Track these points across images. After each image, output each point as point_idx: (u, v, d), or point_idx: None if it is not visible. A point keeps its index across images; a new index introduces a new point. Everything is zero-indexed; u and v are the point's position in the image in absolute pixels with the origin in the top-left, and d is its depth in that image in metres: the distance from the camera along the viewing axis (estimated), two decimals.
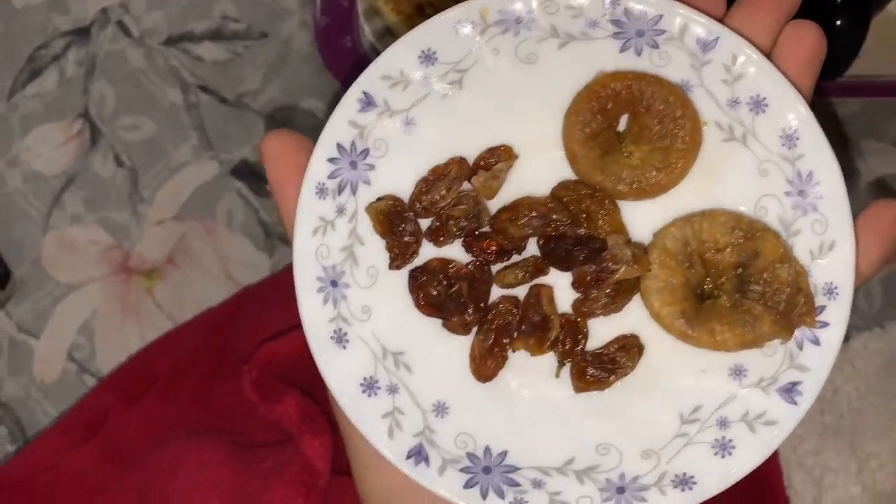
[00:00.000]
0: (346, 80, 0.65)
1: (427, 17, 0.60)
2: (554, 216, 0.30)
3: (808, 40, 0.29)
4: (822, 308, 0.29)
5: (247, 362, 0.44)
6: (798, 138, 0.29)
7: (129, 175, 0.63)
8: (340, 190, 0.30)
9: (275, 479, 0.42)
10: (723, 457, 0.29)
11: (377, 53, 0.64)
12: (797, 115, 0.29)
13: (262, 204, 0.62)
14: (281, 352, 0.44)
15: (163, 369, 0.50)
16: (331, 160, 0.30)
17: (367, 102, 0.30)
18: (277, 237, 0.61)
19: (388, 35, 0.62)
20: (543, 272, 0.31)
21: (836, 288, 0.29)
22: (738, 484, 0.52)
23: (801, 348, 0.29)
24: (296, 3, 0.67)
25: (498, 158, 0.31)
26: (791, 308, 0.29)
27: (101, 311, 0.60)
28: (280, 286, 0.53)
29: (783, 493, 0.49)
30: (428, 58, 0.30)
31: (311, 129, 0.63)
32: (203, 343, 0.52)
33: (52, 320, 0.59)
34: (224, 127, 0.64)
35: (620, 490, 0.29)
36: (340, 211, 0.30)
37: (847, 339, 0.58)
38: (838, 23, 0.56)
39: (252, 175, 0.63)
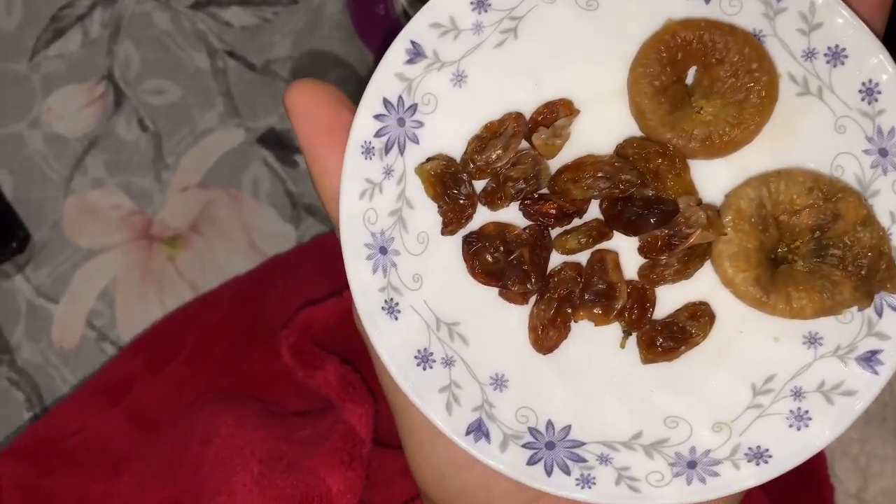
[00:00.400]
0: (379, 50, 0.64)
1: None
2: (622, 176, 0.28)
3: None
4: None
5: (285, 327, 0.43)
6: (880, 93, 0.28)
7: (152, 140, 0.61)
8: (388, 149, 0.28)
9: (316, 447, 0.40)
10: (798, 429, 0.28)
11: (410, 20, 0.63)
12: (880, 67, 0.27)
13: (288, 174, 0.61)
14: (320, 317, 0.42)
15: (190, 337, 0.49)
16: (377, 117, 0.28)
17: (416, 53, 0.28)
18: (304, 208, 0.59)
19: (421, 3, 0.61)
20: (607, 237, 0.30)
21: None
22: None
23: (880, 315, 0.28)
24: None
25: (558, 114, 0.29)
26: (873, 273, 0.28)
27: (121, 278, 0.58)
28: (312, 255, 0.51)
29: (827, 481, 0.47)
30: (481, 3, 0.28)
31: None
32: (231, 312, 0.50)
33: (72, 285, 0.58)
34: (251, 94, 0.63)
35: (692, 464, 0.28)
36: (388, 172, 0.29)
37: None
38: None
39: (279, 144, 0.61)
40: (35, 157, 0.60)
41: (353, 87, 0.62)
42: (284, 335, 0.42)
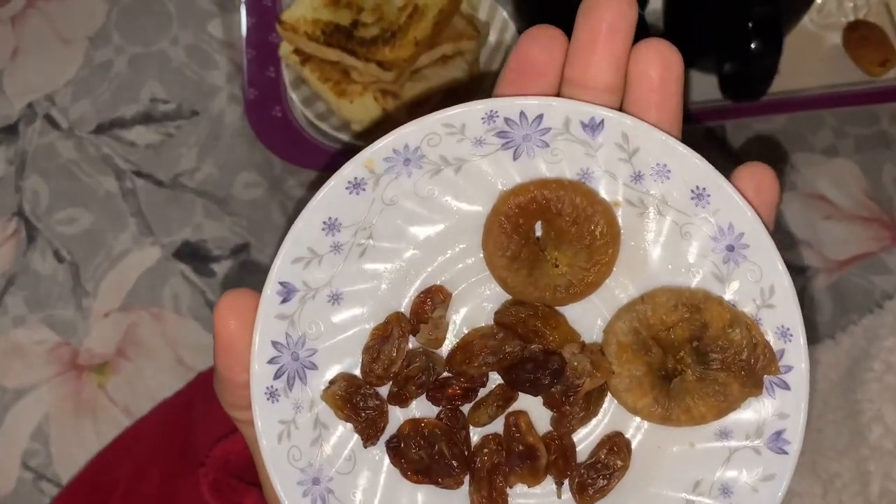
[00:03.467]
0: (280, 150, 0.65)
1: (353, 81, 0.61)
2: (506, 348, 0.30)
3: (655, 63, 0.28)
4: (781, 352, 0.29)
5: (203, 464, 0.43)
6: (709, 194, 0.29)
7: (70, 269, 0.62)
8: (290, 385, 0.29)
9: None
10: None
11: (306, 120, 0.64)
12: (701, 173, 0.29)
13: (207, 284, 0.62)
14: (236, 450, 0.43)
15: (122, 475, 0.49)
16: (271, 361, 0.29)
17: (288, 291, 0.29)
18: None
19: (317, 100, 0.62)
20: (513, 399, 0.31)
21: (788, 329, 0.29)
22: None
23: (774, 397, 0.30)
24: (223, 78, 0.67)
25: (433, 301, 0.30)
26: (754, 364, 0.29)
27: (54, 413, 0.58)
28: None
29: None
30: (332, 226, 0.29)
31: (250, 202, 0.63)
32: (160, 440, 0.51)
33: (3, 428, 0.58)
34: (163, 210, 0.64)
35: None
36: (297, 407, 0.29)
37: None
38: (753, 46, 0.57)
39: (195, 256, 0.62)
40: None
41: (263, 188, 0.64)
42: (203, 473, 0.43)
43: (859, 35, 0.66)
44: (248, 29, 0.65)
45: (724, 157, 0.65)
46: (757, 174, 0.29)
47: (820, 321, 0.62)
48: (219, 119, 0.66)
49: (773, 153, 0.66)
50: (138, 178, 0.65)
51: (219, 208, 0.63)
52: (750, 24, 0.57)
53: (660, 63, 0.28)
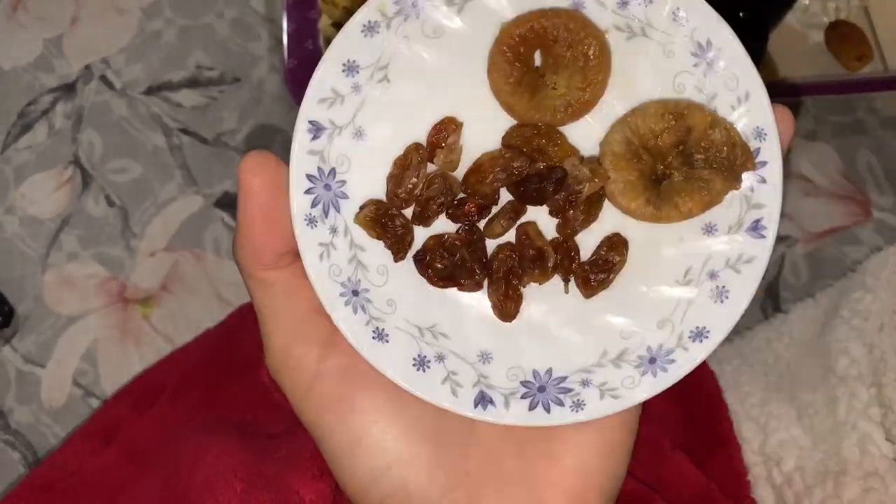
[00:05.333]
0: None
1: None
2: (514, 164, 0.33)
3: None
4: (758, 150, 0.32)
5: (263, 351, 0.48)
6: (684, 15, 0.32)
7: (120, 213, 0.68)
8: (326, 213, 0.32)
9: (291, 464, 0.45)
10: (722, 302, 0.33)
11: None
12: None
13: None
14: None
15: (170, 380, 0.54)
16: (307, 191, 0.32)
17: (317, 129, 0.32)
18: None
19: None
20: (523, 212, 0.34)
21: (762, 129, 0.32)
22: (695, 437, 0.57)
23: (752, 191, 0.33)
24: (265, 49, 0.74)
25: (447, 132, 0.33)
26: (733, 161, 0.32)
27: (101, 339, 0.64)
28: None
29: (735, 441, 0.54)
30: (350, 68, 0.32)
31: (286, 160, 0.69)
32: (207, 356, 0.56)
33: (57, 350, 0.63)
34: (206, 164, 0.70)
35: (652, 360, 0.33)
36: (334, 230, 0.32)
37: (786, 311, 0.65)
38: (742, 35, 0.64)
39: (234, 206, 0.68)
40: (13, 239, 0.66)
41: None
42: (263, 356, 0.48)
43: (839, 33, 0.73)
44: (289, 5, 0.72)
45: None
46: (776, 114, 0.33)
47: (797, 285, 0.68)
48: (259, 86, 0.73)
49: None
50: (184, 135, 0.71)
51: None
52: (740, 14, 0.64)
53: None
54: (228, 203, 0.69)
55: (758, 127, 0.32)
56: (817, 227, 0.70)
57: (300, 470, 0.44)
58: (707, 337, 0.33)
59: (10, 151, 0.69)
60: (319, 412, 0.32)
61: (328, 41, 0.70)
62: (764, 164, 0.33)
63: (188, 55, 0.74)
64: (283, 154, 0.65)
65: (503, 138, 0.34)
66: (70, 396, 0.62)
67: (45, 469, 0.51)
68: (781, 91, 0.71)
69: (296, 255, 0.32)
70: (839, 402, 0.53)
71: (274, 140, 0.71)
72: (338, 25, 0.67)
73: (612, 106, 0.34)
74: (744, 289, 0.33)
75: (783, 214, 0.74)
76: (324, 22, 0.68)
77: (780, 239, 0.69)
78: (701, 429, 0.57)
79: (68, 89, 0.72)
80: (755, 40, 0.64)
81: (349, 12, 0.66)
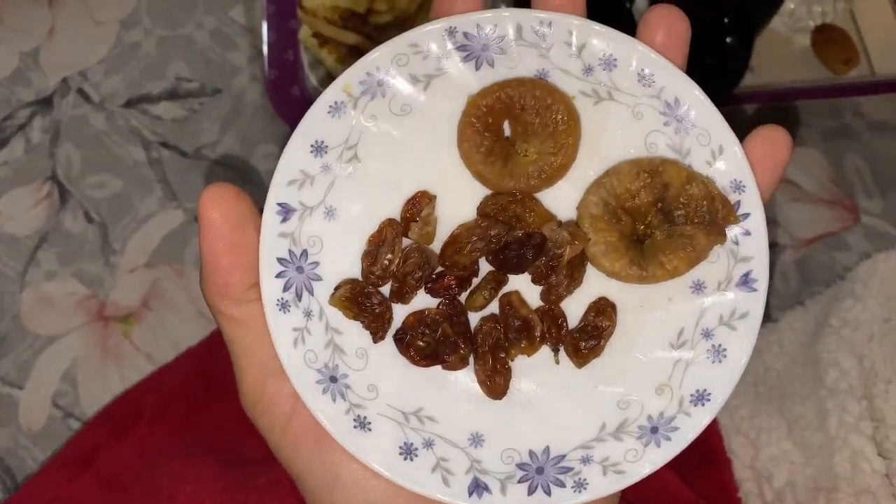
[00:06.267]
0: (294, 126, 0.70)
1: (361, 54, 0.67)
2: (491, 232, 0.32)
3: (660, 30, 0.31)
4: (738, 203, 0.32)
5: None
6: (652, 75, 0.32)
7: (99, 229, 0.67)
8: (299, 296, 0.31)
9: (270, 493, 0.44)
10: (721, 361, 0.32)
11: None
12: (644, 57, 0.32)
13: None
14: None
15: (149, 403, 0.54)
16: (278, 275, 0.31)
17: (286, 210, 0.31)
18: None
19: (331, 79, 0.68)
20: (504, 282, 0.33)
21: (740, 182, 0.32)
22: (684, 453, 0.57)
23: (738, 244, 0.32)
24: (245, 60, 0.73)
25: (420, 205, 0.33)
26: (714, 215, 0.32)
27: (81, 358, 0.63)
28: None
29: (725, 456, 0.54)
30: (319, 149, 0.31)
31: (267, 172, 0.68)
32: (186, 377, 0.55)
33: (35, 371, 0.62)
34: (186, 178, 0.69)
35: (654, 430, 0.32)
36: (308, 314, 0.31)
37: (775, 320, 0.65)
38: (728, 40, 0.63)
39: None
40: None
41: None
42: None
43: (826, 37, 0.73)
44: (269, 15, 0.71)
45: None
46: (769, 137, 0.32)
47: (787, 292, 0.68)
48: (240, 97, 0.72)
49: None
50: (164, 148, 0.70)
51: (238, 177, 0.69)
52: (726, 20, 0.63)
53: (664, 30, 0.32)
54: None
55: (735, 179, 0.32)
56: (806, 233, 0.69)
57: (279, 498, 0.44)
58: (709, 399, 0.31)
59: None
60: (296, 450, 0.31)
61: (308, 51, 0.69)
62: (746, 215, 0.32)
63: (167, 66, 0.72)
64: (262, 166, 0.62)
65: (478, 208, 0.33)
66: (49, 418, 0.61)
67: (22, 497, 0.50)
68: (768, 96, 0.70)
69: None
70: (830, 416, 0.52)
71: (254, 151, 0.70)
72: (318, 36, 0.67)
73: (585, 170, 0.33)
74: (742, 345, 0.32)
75: (771, 221, 0.73)
76: (304, 32, 0.67)
77: (769, 245, 0.69)
78: (690, 445, 0.56)
79: (45, 103, 0.70)
80: (741, 46, 0.64)
81: (329, 22, 0.65)
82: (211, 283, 0.31)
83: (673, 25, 0.31)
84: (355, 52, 0.67)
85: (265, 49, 0.69)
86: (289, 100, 0.69)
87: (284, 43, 0.70)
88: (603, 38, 0.32)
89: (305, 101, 0.69)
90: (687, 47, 0.32)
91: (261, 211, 0.32)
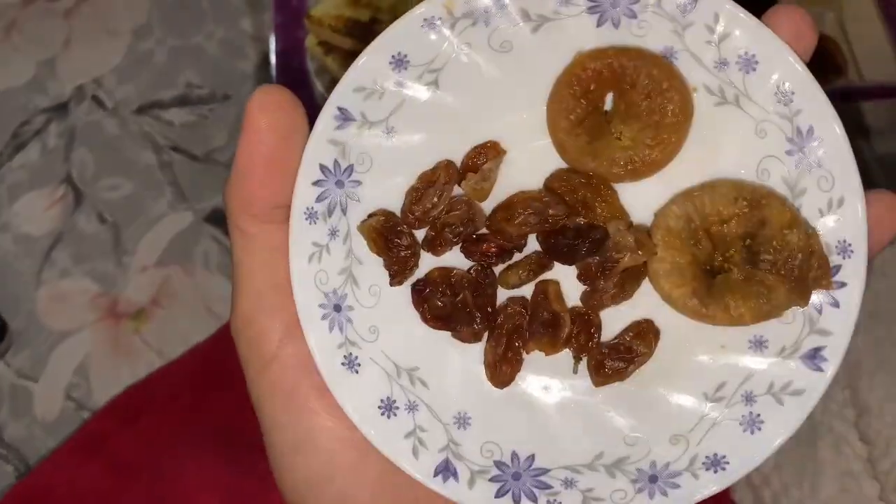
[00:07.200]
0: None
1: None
2: (550, 210, 0.29)
3: (785, 29, 0.27)
4: (838, 268, 0.27)
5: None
6: (793, 93, 0.27)
7: (111, 230, 0.69)
8: (330, 212, 0.29)
9: (271, 481, 0.46)
10: (752, 433, 0.28)
11: None
12: (790, 69, 0.27)
13: None
14: None
15: (158, 395, 0.55)
16: (316, 183, 0.28)
17: (344, 118, 0.28)
18: None
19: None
20: (547, 268, 0.30)
21: (849, 245, 0.27)
22: None
23: (820, 312, 0.28)
24: (253, 67, 0.75)
25: (486, 156, 0.29)
26: (805, 272, 0.27)
27: (94, 353, 0.65)
28: None
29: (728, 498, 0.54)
30: (399, 62, 0.28)
31: None
32: (195, 369, 0.57)
33: (49, 365, 0.64)
34: (196, 181, 0.71)
35: (653, 479, 0.28)
36: (333, 233, 0.29)
37: None
38: None
39: (224, 221, 0.70)
40: (7, 256, 0.67)
41: None
42: None
43: (816, 46, 0.75)
44: (277, 25, 0.73)
45: None
46: (796, 20, 0.28)
47: None
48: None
49: None
50: (175, 152, 0.72)
51: None
52: None
53: (791, 32, 0.28)
54: (218, 219, 0.70)
55: (844, 240, 0.28)
56: None
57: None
58: (724, 468, 0.28)
59: (4, 170, 0.70)
60: (270, 396, 0.29)
61: (315, 59, 0.71)
62: (842, 285, 0.28)
63: (178, 74, 0.75)
64: None
65: (546, 180, 0.30)
66: (63, 410, 0.63)
67: (30, 481, 0.52)
68: None
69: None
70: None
71: None
72: (324, 44, 0.69)
73: (679, 175, 0.29)
74: (782, 424, 0.28)
75: None
76: (310, 41, 0.70)
77: None
78: None
79: (60, 109, 0.73)
80: None
81: (335, 31, 0.68)
82: (238, 191, 0.28)
83: (802, 29, 0.28)
84: (353, 58, 0.69)
85: (273, 57, 0.72)
86: None
87: (292, 51, 0.73)
88: (750, 34, 0.27)
89: (311, 107, 0.71)
90: (808, 58, 0.28)
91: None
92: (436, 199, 0.29)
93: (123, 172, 0.71)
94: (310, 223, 0.28)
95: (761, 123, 0.28)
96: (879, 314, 0.58)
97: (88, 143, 0.72)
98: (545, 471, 0.29)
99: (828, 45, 0.75)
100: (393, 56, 0.28)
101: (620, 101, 0.29)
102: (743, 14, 0.27)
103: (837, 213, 0.28)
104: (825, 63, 0.74)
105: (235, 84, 0.75)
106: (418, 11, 0.28)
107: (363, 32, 0.68)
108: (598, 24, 0.28)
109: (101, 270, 0.68)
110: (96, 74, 0.75)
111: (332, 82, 0.72)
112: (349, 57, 0.70)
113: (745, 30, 0.27)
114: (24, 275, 0.67)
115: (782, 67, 0.27)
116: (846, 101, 0.74)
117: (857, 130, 0.76)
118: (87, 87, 0.74)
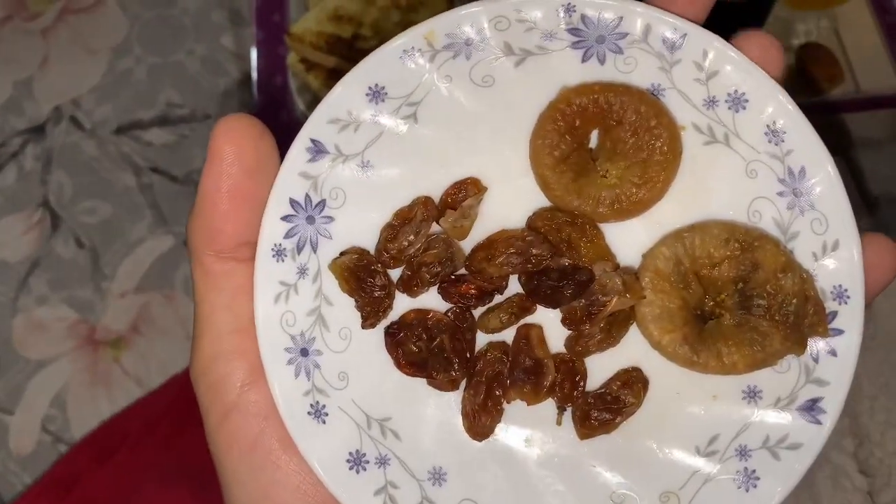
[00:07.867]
0: (286, 151, 0.71)
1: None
2: (533, 250, 0.27)
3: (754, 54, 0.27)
4: (834, 314, 0.26)
5: None
6: (785, 132, 0.26)
7: (90, 255, 0.67)
8: (300, 249, 0.27)
9: None
10: (747, 490, 0.27)
11: None
12: (781, 108, 0.26)
13: None
14: None
15: (133, 428, 0.54)
16: (285, 218, 0.27)
17: (317, 150, 0.27)
18: None
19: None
20: (529, 311, 0.28)
21: (845, 290, 0.26)
22: None
23: (816, 361, 0.27)
24: (234, 86, 0.74)
25: (466, 193, 0.28)
26: (801, 319, 0.26)
27: (71, 383, 0.63)
28: None
29: None
30: (377, 94, 0.27)
31: None
32: (172, 402, 0.56)
33: (25, 396, 0.63)
34: (176, 203, 0.69)
35: None
36: (302, 272, 0.27)
37: None
38: None
39: None
40: None
41: None
42: None
43: (810, 55, 0.73)
44: (258, 42, 0.72)
45: None
46: (765, 45, 0.27)
47: None
48: None
49: None
50: (154, 174, 0.71)
51: None
52: None
53: (759, 54, 0.27)
54: None
55: (840, 286, 0.26)
56: None
57: None
58: None
59: None
60: (228, 449, 0.27)
61: (296, 77, 0.70)
62: (839, 332, 0.26)
63: (158, 93, 0.73)
64: None
65: (529, 218, 0.28)
66: (39, 443, 0.61)
67: None
68: None
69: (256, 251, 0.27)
70: None
71: None
72: (305, 61, 0.68)
73: (667, 215, 0.28)
74: (780, 480, 0.26)
75: None
76: (292, 58, 0.68)
77: None
78: None
79: (37, 131, 0.72)
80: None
81: (316, 48, 0.66)
82: (201, 224, 0.26)
83: (771, 54, 0.27)
84: (335, 76, 0.67)
85: (254, 75, 0.70)
86: (277, 125, 0.70)
87: (273, 68, 0.71)
88: (740, 71, 0.26)
89: (293, 126, 0.70)
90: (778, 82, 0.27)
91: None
92: (412, 237, 0.28)
93: (102, 195, 0.70)
94: (277, 260, 0.27)
95: (752, 163, 0.27)
96: (880, 335, 0.56)
97: (66, 165, 0.70)
98: None
99: (823, 55, 0.73)
100: (370, 87, 0.27)
101: (606, 137, 0.28)
102: (732, 52, 0.26)
103: (832, 256, 0.27)
104: (821, 73, 0.73)
105: (216, 103, 0.73)
106: (397, 42, 0.27)
107: (345, 49, 0.66)
108: (584, 60, 0.27)
109: (79, 297, 0.66)
110: (74, 94, 0.73)
111: (314, 100, 0.70)
112: (331, 75, 0.68)
113: (734, 67, 0.27)
114: (0, 303, 0.65)
115: (773, 106, 0.27)
116: (842, 112, 0.72)
117: (852, 142, 0.74)
118: (65, 107, 0.73)
